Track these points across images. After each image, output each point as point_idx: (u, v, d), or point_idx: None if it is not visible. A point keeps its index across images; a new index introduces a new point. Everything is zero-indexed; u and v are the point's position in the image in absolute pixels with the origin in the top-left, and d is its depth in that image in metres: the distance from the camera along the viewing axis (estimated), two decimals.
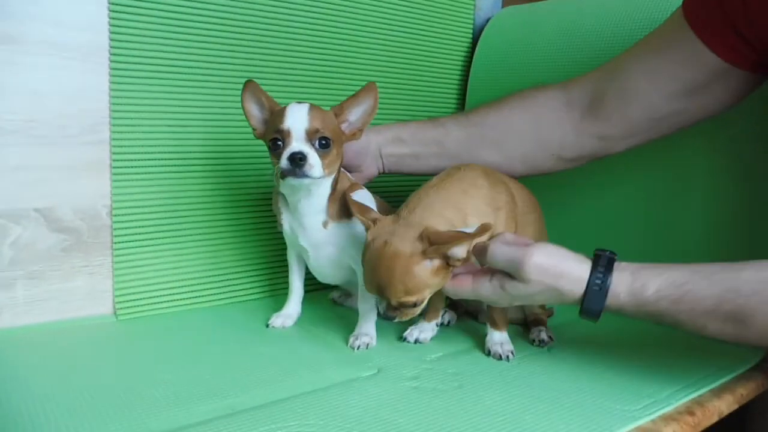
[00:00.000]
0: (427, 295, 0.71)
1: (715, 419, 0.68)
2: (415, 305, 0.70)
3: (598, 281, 0.65)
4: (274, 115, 0.75)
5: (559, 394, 0.67)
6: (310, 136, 0.73)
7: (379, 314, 0.75)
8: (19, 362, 0.71)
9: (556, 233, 0.88)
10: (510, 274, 0.67)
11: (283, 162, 0.71)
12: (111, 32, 0.83)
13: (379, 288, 0.70)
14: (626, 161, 0.92)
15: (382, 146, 0.89)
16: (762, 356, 0.78)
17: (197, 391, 0.64)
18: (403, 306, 0.70)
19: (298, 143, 0.72)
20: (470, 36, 1.24)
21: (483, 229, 0.68)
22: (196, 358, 0.75)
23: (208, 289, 0.94)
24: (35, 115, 0.79)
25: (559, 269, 0.66)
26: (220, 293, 0.96)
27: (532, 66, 1.12)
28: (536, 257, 0.65)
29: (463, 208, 0.73)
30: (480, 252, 0.69)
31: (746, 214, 0.91)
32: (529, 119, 0.86)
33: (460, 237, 0.67)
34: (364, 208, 0.74)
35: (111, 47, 0.83)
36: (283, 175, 0.72)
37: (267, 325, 0.85)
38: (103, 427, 0.57)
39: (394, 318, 0.72)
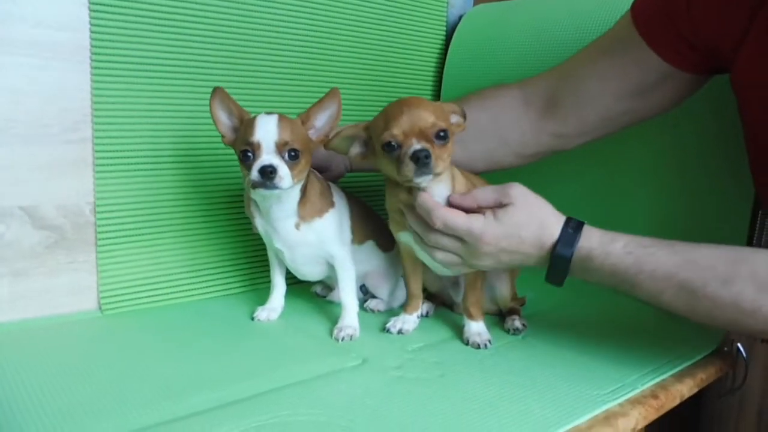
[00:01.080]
0: (452, 140, 0.72)
1: (677, 402, 0.73)
2: (446, 138, 0.71)
3: (572, 225, 0.70)
4: (244, 126, 0.76)
5: (534, 380, 0.70)
6: (280, 148, 0.74)
7: (415, 160, 0.70)
8: (5, 358, 0.71)
9: None
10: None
11: (254, 174, 0.73)
12: (92, 31, 0.83)
13: (412, 115, 0.70)
14: (570, 157, 0.96)
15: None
16: (719, 343, 0.83)
17: (186, 384, 0.66)
18: (438, 135, 0.70)
19: (268, 156, 0.74)
20: (443, 33, 1.26)
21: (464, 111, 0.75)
22: (183, 351, 0.76)
23: (192, 283, 0.96)
24: (17, 114, 0.79)
25: (542, 201, 0.72)
26: (204, 287, 0.97)
27: (506, 62, 1.15)
28: (522, 187, 0.71)
29: None
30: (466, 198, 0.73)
31: (690, 208, 0.96)
32: (489, 118, 0.89)
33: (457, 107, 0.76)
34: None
35: (92, 46, 0.83)
36: (254, 186, 0.74)
37: (252, 318, 0.87)
38: (95, 421, 0.59)
39: (428, 157, 0.68)
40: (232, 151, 0.96)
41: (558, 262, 0.70)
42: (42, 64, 0.81)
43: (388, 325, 0.84)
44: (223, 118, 0.79)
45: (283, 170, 0.74)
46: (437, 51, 1.26)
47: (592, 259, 0.69)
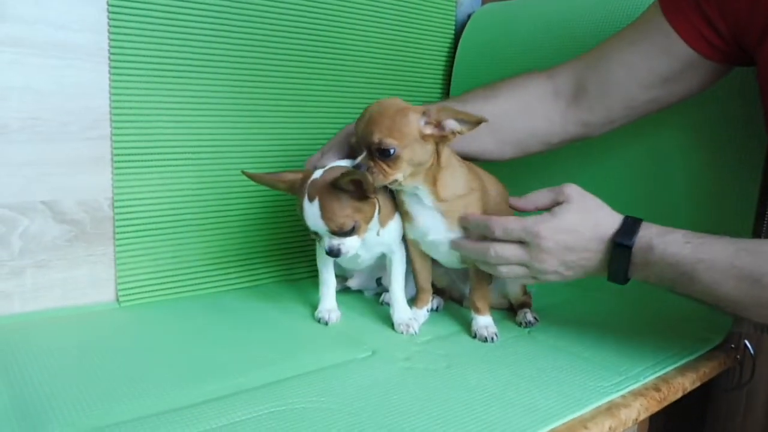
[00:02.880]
0: (405, 154, 0.73)
1: (679, 395, 0.75)
2: (390, 155, 0.72)
3: (630, 219, 0.71)
4: (299, 207, 0.78)
5: (539, 372, 0.72)
6: (335, 232, 0.76)
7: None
8: (30, 345, 0.74)
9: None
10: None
11: (324, 250, 0.78)
12: (110, 33, 0.86)
13: (366, 126, 0.74)
14: (605, 141, 0.96)
15: None
16: (723, 338, 0.85)
17: (201, 372, 0.68)
18: (380, 152, 0.73)
19: (328, 240, 0.77)
20: (452, 31, 1.28)
21: (477, 120, 0.73)
22: (197, 342, 0.79)
23: (206, 276, 0.99)
24: (40, 113, 0.82)
25: (598, 200, 0.73)
26: (218, 281, 1.00)
27: (514, 60, 1.16)
28: (577, 186, 0.73)
29: None
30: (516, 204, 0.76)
31: (720, 191, 0.95)
32: (520, 109, 0.90)
33: (460, 111, 0.74)
34: None
35: (111, 47, 0.86)
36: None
37: (319, 320, 0.86)
38: (119, 400, 0.61)
39: (365, 168, 0.74)
40: (246, 147, 1.00)
41: (619, 252, 0.70)
42: (64, 65, 0.83)
43: (401, 330, 0.84)
44: (279, 186, 0.82)
45: (349, 245, 0.77)
46: (446, 49, 1.27)
47: (652, 248, 0.68)
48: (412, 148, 0.74)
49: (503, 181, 0.90)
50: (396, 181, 0.75)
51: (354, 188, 0.74)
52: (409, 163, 0.74)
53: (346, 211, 0.75)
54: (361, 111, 0.78)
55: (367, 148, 0.74)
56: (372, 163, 0.74)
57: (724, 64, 0.80)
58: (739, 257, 0.65)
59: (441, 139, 0.75)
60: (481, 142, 0.90)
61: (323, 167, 0.79)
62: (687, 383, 0.76)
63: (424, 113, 0.74)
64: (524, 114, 0.90)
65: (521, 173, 1.03)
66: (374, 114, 0.75)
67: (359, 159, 0.75)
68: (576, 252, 0.72)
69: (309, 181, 0.76)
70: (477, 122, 0.73)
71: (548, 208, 0.73)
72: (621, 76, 0.84)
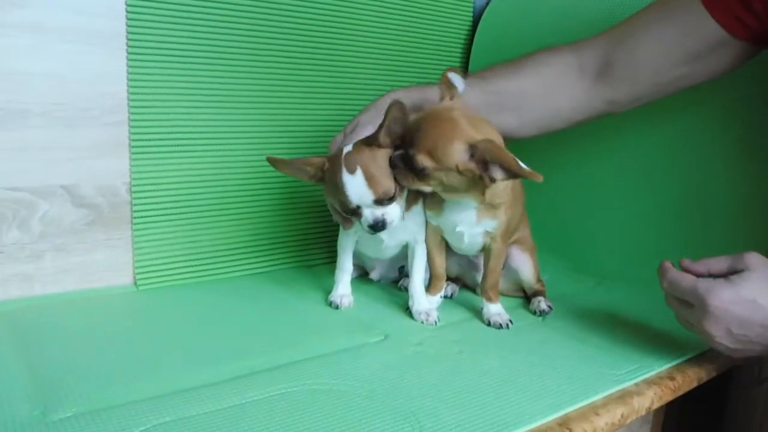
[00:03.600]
0: (436, 176, 0.72)
1: (694, 385, 0.74)
2: (421, 171, 0.72)
3: None
4: (334, 187, 0.76)
5: (552, 359, 0.72)
6: (379, 201, 0.75)
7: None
8: (50, 326, 0.76)
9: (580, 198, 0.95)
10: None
11: (365, 227, 0.77)
12: (128, 18, 0.87)
13: (413, 132, 0.72)
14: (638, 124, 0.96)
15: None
16: None
17: (217, 354, 0.70)
18: (414, 165, 0.72)
19: (371, 213, 0.76)
20: (470, 17, 1.27)
21: (533, 174, 0.68)
22: (214, 325, 0.80)
23: (222, 261, 1.00)
24: (59, 98, 0.83)
25: None
26: (234, 266, 1.01)
27: (533, 46, 1.14)
28: (760, 256, 0.66)
29: None
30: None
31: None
32: (544, 87, 0.89)
33: (512, 159, 0.68)
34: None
35: (128, 33, 0.87)
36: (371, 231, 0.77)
37: (330, 304, 0.87)
38: (136, 380, 0.62)
39: (396, 167, 0.74)
40: (263, 133, 1.00)
41: None
42: (83, 50, 0.84)
43: (421, 319, 0.84)
44: (300, 175, 0.81)
45: (392, 213, 0.77)
46: (464, 36, 1.27)
47: None
48: (446, 174, 0.72)
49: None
50: (422, 189, 0.75)
51: (390, 141, 0.75)
52: (440, 185, 0.74)
53: (387, 174, 0.75)
54: (379, 95, 0.77)
55: (405, 151, 0.74)
56: (403, 165, 0.74)
57: (756, 45, 0.79)
58: None
59: (482, 176, 0.70)
60: (503, 120, 0.88)
61: (350, 144, 0.78)
62: (703, 374, 0.75)
63: (471, 146, 0.70)
64: (548, 92, 0.89)
65: (551, 150, 1.01)
66: (425, 125, 0.73)
67: (397, 153, 0.74)
68: (751, 327, 0.64)
69: (343, 156, 0.75)
70: (530, 177, 0.67)
71: (724, 275, 0.66)
72: (650, 53, 0.83)
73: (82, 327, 0.77)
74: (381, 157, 0.75)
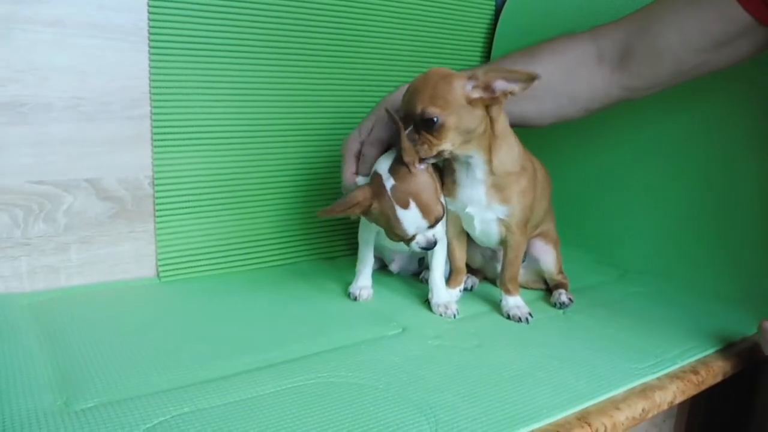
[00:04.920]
0: (450, 122, 0.71)
1: (719, 379, 0.72)
2: (434, 124, 0.71)
3: None
4: (387, 221, 0.76)
5: (571, 352, 0.71)
6: (433, 226, 0.77)
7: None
8: (74, 318, 0.77)
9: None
10: None
11: (417, 249, 0.78)
12: (150, 12, 0.87)
13: (410, 97, 0.73)
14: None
15: None
16: None
17: (238, 346, 0.70)
18: (424, 122, 0.71)
19: (424, 237, 0.77)
20: (492, 9, 1.25)
21: (529, 76, 0.70)
22: (234, 316, 0.80)
23: (244, 253, 1.00)
24: (82, 92, 0.84)
25: None
26: (256, 258, 1.02)
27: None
28: None
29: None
30: None
31: None
32: (562, 74, 0.87)
33: (509, 69, 0.71)
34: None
35: (150, 27, 0.87)
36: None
37: (349, 295, 0.88)
38: (155, 372, 0.63)
39: (415, 143, 0.72)
40: (284, 125, 1.01)
41: None
42: (105, 45, 0.85)
43: (429, 296, 0.85)
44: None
45: (440, 231, 0.79)
46: (485, 27, 1.25)
47: None
48: (458, 114, 0.71)
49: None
50: (444, 151, 0.73)
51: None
52: (457, 131, 0.72)
53: (436, 195, 0.76)
54: (399, 86, 0.77)
55: (413, 121, 0.73)
56: (417, 136, 0.73)
57: None
58: None
59: (492, 101, 0.72)
60: (520, 108, 0.88)
61: (368, 173, 0.78)
62: (728, 367, 0.74)
63: (470, 77, 0.71)
64: (565, 79, 0.87)
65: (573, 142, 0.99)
66: (417, 84, 0.73)
67: (407, 131, 0.73)
68: None
69: (389, 192, 0.74)
70: (529, 79, 0.70)
71: None
72: (672, 40, 0.81)
73: (105, 318, 0.78)
74: (425, 182, 0.75)
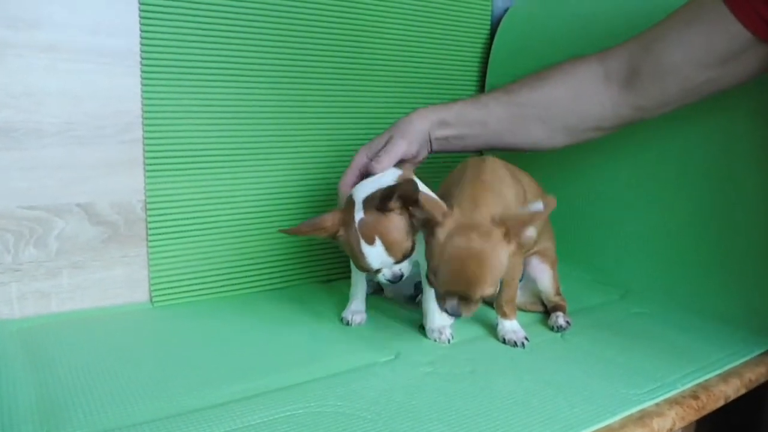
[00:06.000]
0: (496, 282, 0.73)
1: (721, 403, 0.71)
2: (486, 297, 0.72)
3: None
4: (352, 251, 0.75)
5: (568, 378, 0.70)
6: (399, 262, 0.75)
7: (446, 311, 0.74)
8: (63, 344, 0.76)
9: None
10: None
11: (383, 281, 0.77)
12: (142, 37, 0.87)
13: (467, 284, 0.70)
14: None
15: (431, 131, 0.90)
16: None
17: (227, 373, 0.69)
18: (481, 299, 0.72)
19: (389, 271, 0.75)
20: (488, 26, 1.25)
21: (549, 207, 0.71)
22: (225, 342, 0.79)
23: (237, 278, 0.99)
24: (74, 117, 0.84)
25: None
26: (250, 282, 1.01)
27: (551, 56, 1.12)
28: None
29: (504, 197, 0.77)
30: None
31: None
32: (570, 96, 0.88)
33: (531, 217, 0.71)
34: (434, 205, 0.73)
35: (142, 51, 0.88)
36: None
37: (341, 320, 0.87)
38: (141, 401, 0.62)
39: (461, 314, 0.72)
40: (277, 149, 1.00)
41: None
42: (98, 69, 0.85)
43: (424, 322, 0.84)
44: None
45: (406, 265, 0.76)
46: (481, 45, 1.25)
47: None
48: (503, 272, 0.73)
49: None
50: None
51: (402, 203, 0.73)
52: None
53: (405, 234, 0.74)
54: (396, 113, 0.75)
55: (459, 299, 0.72)
56: (460, 302, 0.72)
57: None
58: None
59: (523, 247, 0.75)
60: (531, 132, 0.89)
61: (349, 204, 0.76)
62: (730, 391, 0.72)
63: (505, 235, 0.70)
64: (575, 101, 0.88)
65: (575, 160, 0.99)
66: (472, 269, 0.69)
67: (451, 302, 0.72)
68: None
69: (357, 225, 0.73)
70: (547, 213, 0.73)
71: None
72: (677, 57, 0.81)
73: (95, 345, 0.77)
74: (394, 219, 0.73)
